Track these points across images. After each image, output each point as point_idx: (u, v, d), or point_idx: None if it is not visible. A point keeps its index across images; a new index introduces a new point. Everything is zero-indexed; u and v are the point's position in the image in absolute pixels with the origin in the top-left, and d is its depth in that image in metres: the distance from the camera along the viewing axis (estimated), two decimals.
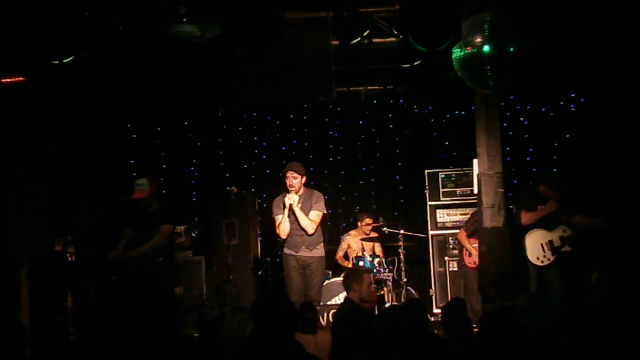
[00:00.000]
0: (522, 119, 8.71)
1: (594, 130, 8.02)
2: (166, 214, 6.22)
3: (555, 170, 8.22)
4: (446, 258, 8.07)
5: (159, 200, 6.33)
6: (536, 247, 6.46)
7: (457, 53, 5.09)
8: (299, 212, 6.33)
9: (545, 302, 3.76)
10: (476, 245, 6.90)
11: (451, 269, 8.02)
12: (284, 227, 6.43)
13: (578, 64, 7.30)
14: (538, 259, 6.45)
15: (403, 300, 7.57)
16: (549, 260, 6.45)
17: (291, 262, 6.48)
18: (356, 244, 7.98)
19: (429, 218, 8.26)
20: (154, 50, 6.33)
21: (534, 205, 6.56)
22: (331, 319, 6.10)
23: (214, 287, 6.28)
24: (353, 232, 8.14)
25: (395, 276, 7.64)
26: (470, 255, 6.98)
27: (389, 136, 9.07)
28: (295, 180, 6.34)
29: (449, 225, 8.10)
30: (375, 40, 6.19)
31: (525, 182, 7.60)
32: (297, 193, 6.37)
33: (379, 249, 7.97)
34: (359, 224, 8.05)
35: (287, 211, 6.37)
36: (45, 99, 7.13)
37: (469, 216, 7.64)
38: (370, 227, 7.94)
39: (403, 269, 7.59)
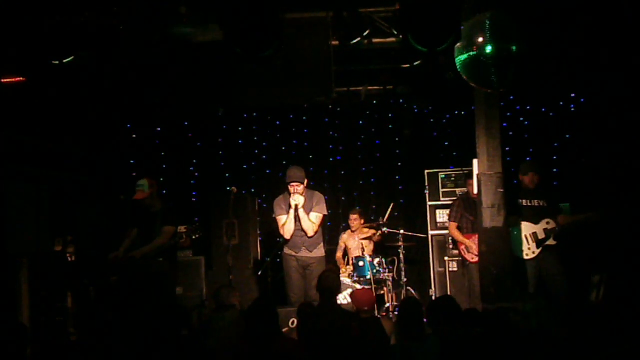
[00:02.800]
0: (522, 119, 8.71)
1: (593, 130, 8.02)
2: (169, 214, 6.22)
3: (528, 159, 8.17)
4: (446, 258, 8.04)
5: (162, 201, 6.34)
6: (521, 239, 6.45)
7: (459, 55, 5.06)
8: (302, 214, 6.38)
9: (542, 303, 3.76)
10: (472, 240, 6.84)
11: (451, 269, 7.99)
12: (288, 227, 6.46)
13: (578, 64, 7.30)
14: (522, 251, 6.43)
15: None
16: (533, 253, 6.45)
17: (291, 262, 6.51)
18: (354, 242, 7.98)
19: (428, 218, 8.26)
20: (154, 50, 6.33)
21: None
22: None
23: (214, 287, 6.26)
24: (349, 231, 8.16)
25: (395, 276, 7.63)
26: (469, 250, 6.87)
27: (389, 136, 9.07)
28: (299, 188, 6.41)
29: (448, 225, 8.06)
30: (375, 40, 6.19)
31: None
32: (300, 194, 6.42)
33: (375, 240, 7.93)
34: (349, 222, 8.10)
35: (292, 211, 6.41)
36: (45, 99, 7.13)
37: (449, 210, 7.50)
38: (356, 223, 7.95)
39: (403, 269, 7.58)
